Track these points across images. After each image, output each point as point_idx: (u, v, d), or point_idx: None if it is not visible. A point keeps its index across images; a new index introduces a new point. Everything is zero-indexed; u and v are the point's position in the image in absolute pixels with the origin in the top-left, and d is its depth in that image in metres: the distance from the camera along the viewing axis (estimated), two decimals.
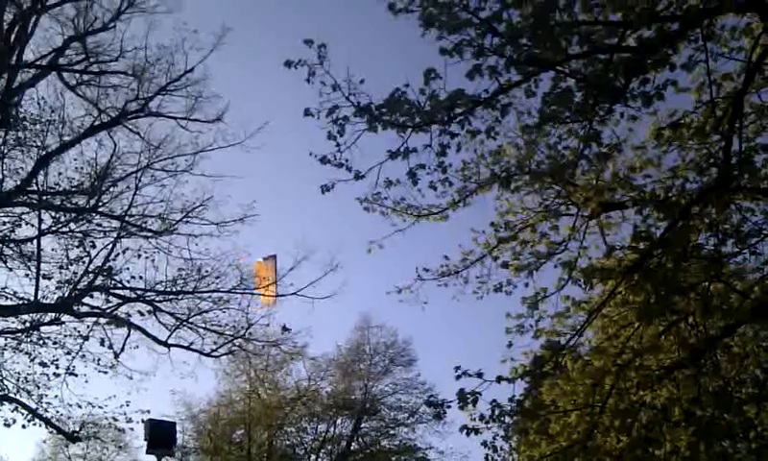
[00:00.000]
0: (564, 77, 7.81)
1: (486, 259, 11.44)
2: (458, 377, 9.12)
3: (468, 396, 9.03)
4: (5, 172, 15.91)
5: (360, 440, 35.71)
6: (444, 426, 33.36)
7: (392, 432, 35.76)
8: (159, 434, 16.49)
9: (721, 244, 9.15)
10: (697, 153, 9.21)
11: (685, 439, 9.82)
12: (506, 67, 7.60)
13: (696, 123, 8.81)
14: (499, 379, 9.27)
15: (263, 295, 11.00)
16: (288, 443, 35.54)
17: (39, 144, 16.21)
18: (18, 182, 16.16)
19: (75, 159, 16.85)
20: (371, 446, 35.65)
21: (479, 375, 9.04)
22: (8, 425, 16.27)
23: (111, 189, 17.05)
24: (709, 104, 8.34)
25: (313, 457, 35.15)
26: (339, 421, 35.48)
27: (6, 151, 16.01)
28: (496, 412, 9.61)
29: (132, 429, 17.73)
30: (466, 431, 9.59)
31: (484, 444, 10.68)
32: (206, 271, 17.75)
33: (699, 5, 7.35)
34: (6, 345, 16.50)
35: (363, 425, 35.54)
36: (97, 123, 17.19)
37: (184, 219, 17.61)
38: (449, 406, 9.28)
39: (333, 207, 56.99)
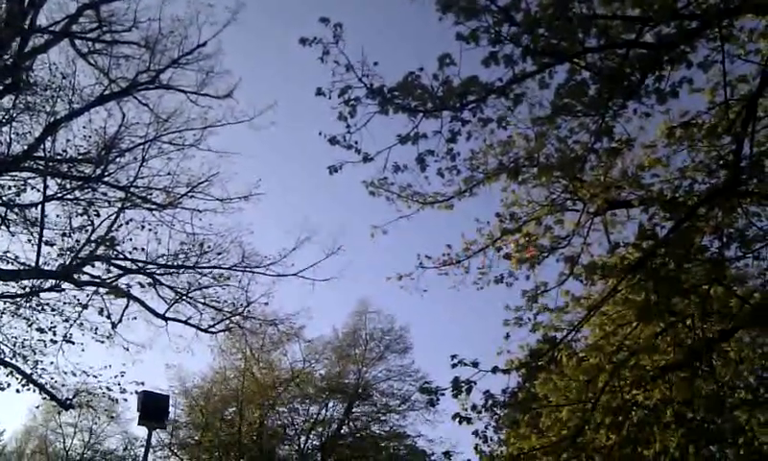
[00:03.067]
0: (579, 70, 7.80)
1: (488, 250, 11.47)
2: (453, 366, 9.10)
3: (463, 384, 9.03)
4: (13, 136, 15.89)
5: (351, 424, 35.87)
6: (435, 415, 33.62)
7: (383, 418, 35.94)
8: (152, 406, 16.56)
9: (725, 247, 9.15)
10: (707, 154, 9.22)
11: (675, 440, 9.87)
12: (522, 57, 7.59)
13: (708, 124, 8.81)
14: (495, 370, 9.26)
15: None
16: (279, 423, 35.70)
17: (49, 110, 16.15)
18: (26, 147, 16.10)
19: (83, 128, 16.82)
20: (361, 430, 35.81)
21: (474, 364, 9.02)
22: (2, 389, 16.43)
23: (118, 160, 17.05)
24: (723, 105, 8.34)
25: (303, 438, 35.35)
26: (331, 404, 35.67)
27: (15, 115, 15.98)
28: (489, 402, 9.65)
29: (125, 400, 17.80)
30: (458, 419, 9.60)
31: (475, 433, 10.75)
32: (208, 247, 17.89)
33: (719, 4, 7.33)
34: (4, 309, 16.64)
35: (355, 410, 35.68)
36: (107, 92, 17.11)
37: (189, 193, 17.65)
38: (443, 394, 9.26)
39: (338, 190, 57.08)
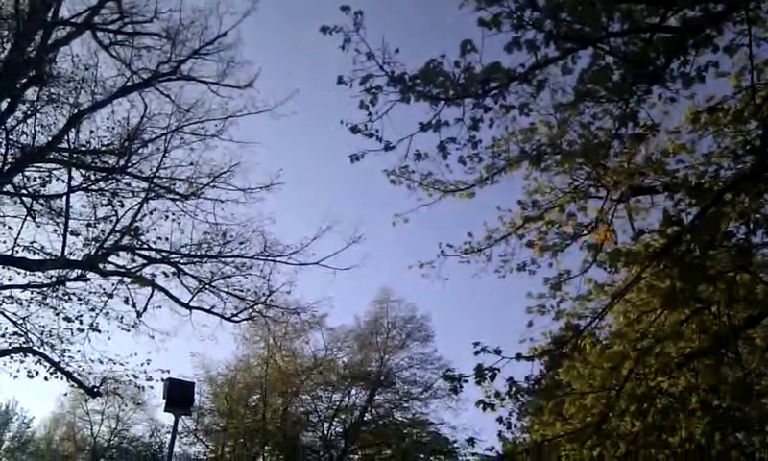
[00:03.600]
0: (602, 55, 7.69)
1: (510, 238, 11.41)
2: (476, 353, 9.09)
3: (486, 371, 9.01)
4: (37, 127, 16.08)
5: (374, 411, 36.11)
6: (458, 403, 33.78)
7: (405, 405, 36.14)
8: (178, 393, 16.65)
9: (751, 233, 8.99)
10: (733, 139, 9.06)
11: (701, 428, 9.80)
12: (545, 42, 7.49)
13: (734, 109, 8.65)
14: (518, 357, 9.23)
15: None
16: (303, 410, 36.07)
17: (72, 102, 16.28)
18: (50, 139, 16.27)
19: (106, 119, 16.97)
20: (384, 417, 36.04)
21: (497, 351, 9.00)
22: (31, 377, 16.73)
23: (141, 150, 17.17)
24: (749, 89, 8.18)
25: (326, 425, 35.63)
26: (353, 391, 35.96)
27: (39, 106, 16.16)
28: (512, 389, 9.62)
29: (151, 388, 18.02)
30: (482, 406, 9.59)
31: (499, 419, 10.76)
32: (231, 236, 17.99)
33: None
34: (32, 298, 16.87)
35: (377, 397, 35.91)
36: (129, 84, 17.22)
37: (211, 184, 17.77)
38: (466, 381, 9.24)
39: (357, 181, 57.15)
